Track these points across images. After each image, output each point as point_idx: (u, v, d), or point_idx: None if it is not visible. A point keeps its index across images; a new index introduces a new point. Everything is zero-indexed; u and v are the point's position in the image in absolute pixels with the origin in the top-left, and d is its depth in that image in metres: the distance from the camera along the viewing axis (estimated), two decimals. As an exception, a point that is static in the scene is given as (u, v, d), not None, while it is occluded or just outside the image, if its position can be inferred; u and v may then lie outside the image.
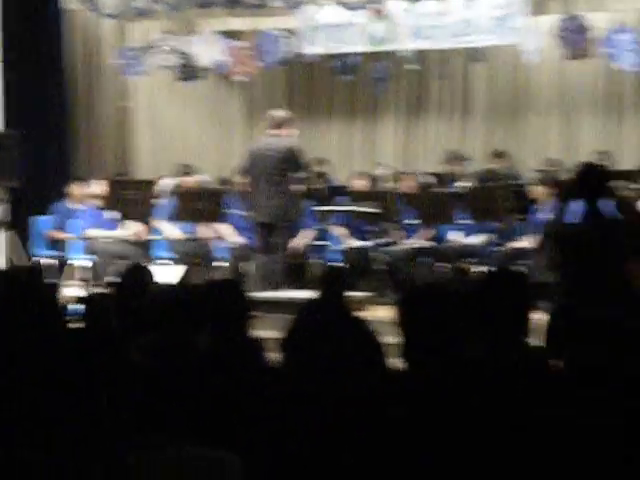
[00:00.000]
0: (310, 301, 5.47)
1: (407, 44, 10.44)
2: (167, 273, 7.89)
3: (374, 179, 10.78)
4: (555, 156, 11.66)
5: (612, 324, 2.81)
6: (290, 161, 8.35)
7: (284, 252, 8.49)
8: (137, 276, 4.30)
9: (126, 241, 9.36)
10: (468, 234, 9.42)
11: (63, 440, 2.41)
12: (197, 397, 2.74)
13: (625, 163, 11.51)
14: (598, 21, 10.83)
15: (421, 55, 11.85)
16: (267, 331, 5.50)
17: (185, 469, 2.43)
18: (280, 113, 8.78)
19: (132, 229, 9.24)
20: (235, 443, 2.70)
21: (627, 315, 3.90)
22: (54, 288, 5.22)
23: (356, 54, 11.14)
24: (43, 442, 2.42)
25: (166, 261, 9.52)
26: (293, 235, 8.72)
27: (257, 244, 8.75)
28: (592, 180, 5.01)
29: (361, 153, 12.93)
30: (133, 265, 6.02)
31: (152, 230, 9.95)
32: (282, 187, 8.36)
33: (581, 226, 5.28)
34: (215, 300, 3.65)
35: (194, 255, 9.45)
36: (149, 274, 4.34)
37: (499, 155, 11.64)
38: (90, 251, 9.56)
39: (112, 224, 9.83)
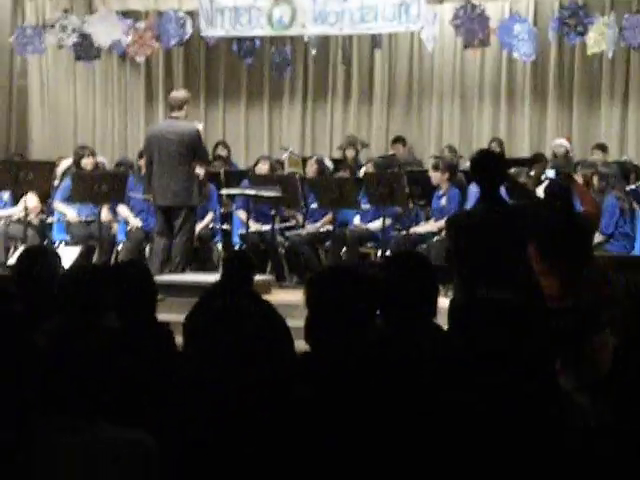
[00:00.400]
0: (214, 284, 5.48)
1: (309, 29, 10.47)
2: (64, 255, 7.76)
3: (278, 163, 10.81)
4: (453, 143, 11.89)
5: (504, 306, 2.90)
6: (191, 144, 8.31)
7: (186, 236, 8.45)
8: (39, 258, 4.24)
9: (22, 222, 9.16)
10: (369, 219, 9.54)
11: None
12: (105, 380, 2.74)
13: (520, 150, 11.83)
14: (494, 10, 11.08)
15: (324, 40, 11.93)
16: (171, 314, 5.51)
17: (102, 449, 2.43)
18: (180, 94, 8.71)
19: (27, 205, 9.03)
20: (144, 426, 2.71)
21: (520, 297, 4.04)
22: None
23: (257, 38, 11.13)
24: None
25: (63, 244, 9.37)
26: (194, 219, 8.69)
27: (157, 227, 8.69)
28: (486, 166, 5.12)
29: (265, 137, 12.94)
30: (34, 247, 5.93)
31: (50, 212, 9.78)
32: (183, 170, 8.32)
33: (474, 211, 5.42)
34: (123, 282, 3.63)
35: (92, 237, 9.32)
36: (54, 256, 4.28)
37: (398, 141, 11.82)
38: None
39: (10, 206, 9.62)
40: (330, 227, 9.32)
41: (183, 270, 8.50)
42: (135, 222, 9.52)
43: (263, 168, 9.90)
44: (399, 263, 3.44)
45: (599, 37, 10.16)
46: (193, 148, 8.31)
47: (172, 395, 3.03)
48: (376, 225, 9.32)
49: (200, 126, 8.63)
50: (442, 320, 3.36)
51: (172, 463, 2.76)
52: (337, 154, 11.81)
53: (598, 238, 8.25)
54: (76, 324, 3.52)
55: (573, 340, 5.25)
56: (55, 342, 3.36)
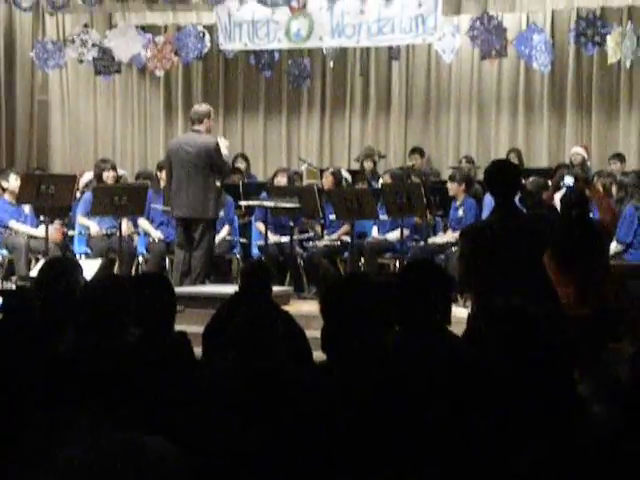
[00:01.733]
0: (232, 295, 5.52)
1: (327, 42, 10.53)
2: (85, 267, 7.84)
3: (296, 175, 10.86)
4: (471, 154, 11.91)
5: (522, 314, 2.92)
6: (209, 157, 8.37)
7: (205, 248, 8.51)
8: (61, 270, 4.29)
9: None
10: (386, 230, 9.56)
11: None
12: (128, 388, 2.79)
13: (539, 160, 11.82)
14: (511, 21, 11.10)
15: (342, 53, 12.00)
16: (191, 325, 5.56)
17: (117, 452, 2.47)
18: (201, 107, 8.80)
19: (49, 232, 9.13)
20: (163, 434, 2.75)
21: (538, 306, 4.05)
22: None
23: (275, 50, 11.20)
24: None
25: (84, 257, 9.44)
26: (214, 231, 8.75)
27: (176, 239, 8.76)
28: (500, 176, 5.13)
29: (283, 149, 13.00)
30: (55, 258, 6.00)
31: (71, 225, 9.86)
32: (200, 183, 8.38)
33: (488, 221, 5.44)
34: (144, 294, 3.68)
35: (112, 250, 9.39)
36: (75, 267, 4.33)
37: (416, 152, 11.84)
38: (5, 245, 9.45)
39: (31, 220, 9.71)
40: (348, 238, 9.35)
41: (203, 282, 8.55)
42: (156, 234, 9.59)
43: (282, 181, 9.95)
44: (414, 272, 3.46)
45: (616, 47, 10.16)
46: (211, 160, 8.37)
47: (191, 404, 3.07)
48: (394, 235, 9.34)
49: (222, 141, 8.69)
50: (457, 329, 3.39)
51: (190, 471, 2.80)
52: (355, 166, 11.85)
53: (617, 247, 8.25)
54: (97, 334, 3.57)
55: (591, 348, 5.25)
56: (76, 352, 3.42)
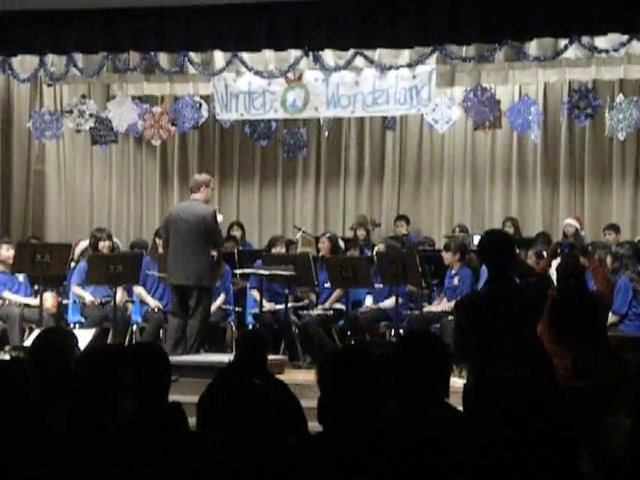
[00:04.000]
0: (227, 364, 5.48)
1: (323, 112, 10.65)
2: (80, 337, 7.80)
3: (291, 243, 10.89)
4: (465, 223, 11.97)
5: (517, 386, 2.90)
6: (206, 226, 8.41)
7: (200, 316, 8.49)
8: (55, 340, 4.27)
9: (37, 306, 9.22)
10: (381, 299, 9.56)
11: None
12: (121, 461, 2.75)
13: (532, 230, 11.87)
14: (504, 93, 11.25)
15: (337, 123, 12.12)
16: (185, 395, 5.51)
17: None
18: (200, 177, 8.89)
19: (45, 301, 9.12)
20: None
21: (531, 375, 4.03)
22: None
23: (271, 120, 11.32)
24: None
25: (78, 326, 9.40)
26: (209, 299, 8.74)
27: (171, 307, 8.74)
28: (494, 247, 5.13)
29: (279, 217, 13.06)
30: (49, 329, 5.97)
31: (66, 294, 9.84)
32: (197, 251, 8.41)
33: (483, 292, 5.43)
34: (139, 364, 3.66)
35: (107, 319, 9.36)
36: (70, 337, 4.32)
37: (402, 219, 11.94)
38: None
39: (25, 289, 9.69)
40: (340, 305, 9.34)
41: (197, 351, 8.51)
42: (154, 303, 9.56)
43: (280, 250, 9.94)
44: (412, 343, 3.45)
45: (612, 120, 10.29)
46: (208, 230, 8.42)
47: (185, 476, 3.03)
48: (389, 303, 9.34)
49: (217, 213, 8.77)
50: (455, 400, 3.37)
51: None
52: (350, 234, 11.89)
53: (612, 318, 8.25)
54: (91, 405, 3.53)
55: (588, 422, 5.20)
56: (70, 422, 3.38)
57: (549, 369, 5.00)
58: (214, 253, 8.65)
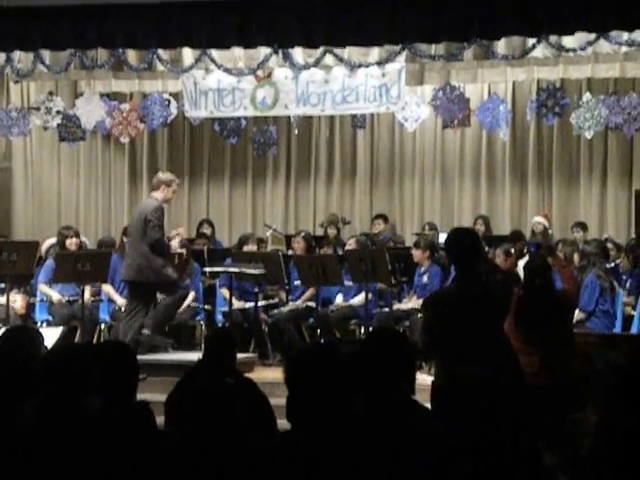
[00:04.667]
0: (196, 362, 5.46)
1: (292, 110, 10.64)
2: (47, 335, 7.74)
3: (261, 242, 10.87)
4: (435, 220, 12.02)
5: (484, 384, 2.92)
6: (145, 220, 8.35)
7: (142, 313, 8.44)
8: (21, 339, 4.24)
9: (4, 305, 9.14)
10: (351, 295, 9.57)
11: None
12: (88, 460, 2.73)
13: (502, 228, 11.95)
14: (473, 92, 11.31)
15: (307, 121, 12.12)
16: (153, 394, 5.48)
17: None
18: (162, 175, 8.82)
19: (15, 303, 9.05)
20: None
21: (498, 372, 4.05)
22: None
23: (241, 118, 11.30)
24: None
25: (45, 324, 9.32)
26: (150, 296, 8.63)
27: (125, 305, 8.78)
28: (460, 245, 5.14)
29: (249, 215, 13.03)
30: (16, 327, 5.92)
31: (33, 293, 9.75)
32: (136, 246, 8.39)
33: (450, 289, 5.45)
34: (106, 362, 3.64)
35: (74, 317, 9.30)
36: (36, 336, 4.28)
37: (380, 217, 11.93)
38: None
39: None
40: (313, 303, 9.34)
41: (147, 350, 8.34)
42: (121, 301, 9.50)
43: (252, 248, 9.88)
44: (377, 340, 3.46)
45: (578, 118, 10.36)
46: (146, 224, 8.34)
47: (153, 474, 3.02)
48: (358, 300, 9.35)
49: (157, 202, 8.53)
50: (423, 397, 3.38)
51: None
52: (320, 232, 11.90)
53: (579, 315, 8.31)
54: (58, 404, 3.51)
55: (554, 418, 5.24)
56: (37, 421, 3.35)
57: (516, 366, 5.03)
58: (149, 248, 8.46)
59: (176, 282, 8.61)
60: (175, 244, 8.96)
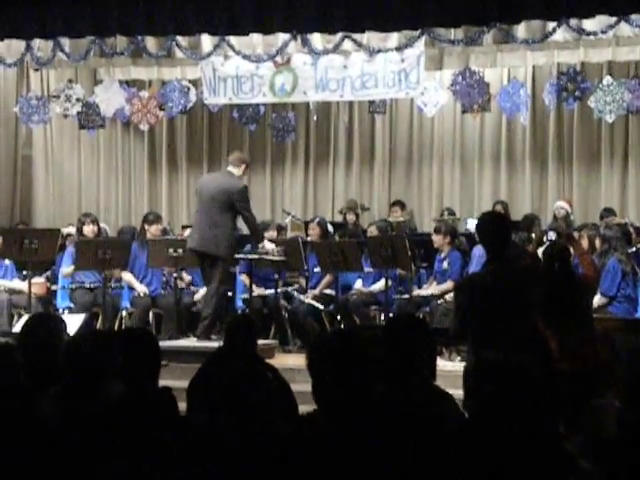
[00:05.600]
0: (217, 349, 5.48)
1: (311, 96, 10.62)
2: (69, 322, 7.78)
3: (280, 228, 10.87)
4: (454, 206, 11.98)
5: (515, 370, 2.91)
6: (230, 197, 8.40)
7: (213, 290, 8.48)
8: (44, 326, 4.26)
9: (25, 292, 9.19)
10: (371, 282, 9.56)
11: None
12: (111, 447, 2.75)
13: (522, 213, 11.89)
14: (493, 76, 11.24)
15: (326, 107, 12.09)
16: (175, 380, 5.51)
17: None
18: (240, 154, 9.07)
19: (33, 286, 9.10)
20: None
21: (532, 361, 4.04)
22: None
23: (260, 105, 11.29)
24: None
25: (67, 311, 9.37)
26: (225, 272, 8.68)
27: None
28: (491, 228, 5.15)
29: (268, 202, 13.03)
30: (39, 314, 5.96)
31: (55, 280, 9.81)
32: (217, 220, 8.40)
33: (484, 273, 5.44)
34: (129, 349, 3.65)
35: (96, 304, 9.35)
36: (59, 323, 4.30)
37: (397, 204, 11.90)
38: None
39: (12, 273, 9.66)
40: (330, 290, 9.34)
41: (207, 337, 8.38)
42: (141, 288, 9.55)
43: (272, 235, 9.87)
44: (398, 326, 3.46)
45: (598, 102, 10.30)
46: (230, 201, 8.47)
47: (177, 460, 3.03)
48: (378, 286, 9.34)
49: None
50: (444, 383, 3.38)
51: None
52: (338, 218, 11.89)
53: (601, 300, 8.28)
54: (81, 391, 3.53)
55: (576, 403, 5.22)
56: (60, 408, 3.37)
57: (546, 352, 5.03)
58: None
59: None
60: None
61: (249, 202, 8.75)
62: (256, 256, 9.02)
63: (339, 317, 9.24)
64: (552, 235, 6.85)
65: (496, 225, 5.16)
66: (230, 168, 8.72)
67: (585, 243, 8.17)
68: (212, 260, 8.47)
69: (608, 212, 10.81)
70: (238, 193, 8.46)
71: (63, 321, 4.37)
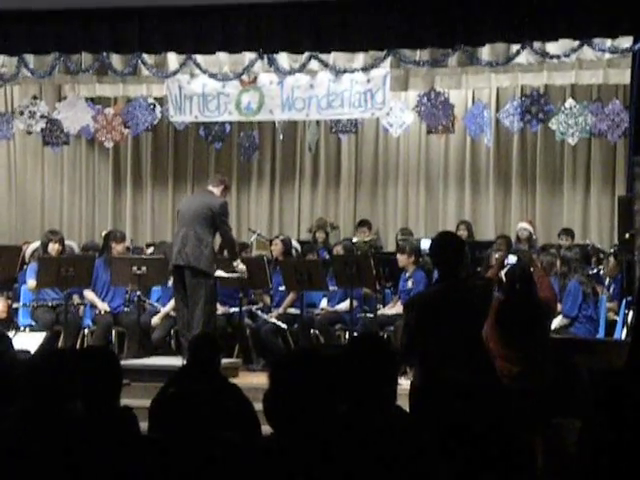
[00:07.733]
0: (180, 368, 5.45)
1: (277, 115, 10.64)
2: (29, 341, 7.71)
3: (246, 246, 10.85)
4: (419, 226, 12.04)
5: (462, 387, 2.92)
6: (212, 214, 8.41)
7: (201, 302, 8.41)
8: None
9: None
10: (336, 301, 9.57)
11: None
12: (71, 466, 2.71)
13: (485, 233, 11.98)
14: (458, 98, 11.34)
15: (292, 126, 12.12)
16: (136, 399, 5.47)
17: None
18: (222, 177, 9.03)
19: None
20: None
21: (476, 376, 4.06)
22: None
23: (226, 123, 11.29)
24: None
25: (28, 329, 9.27)
26: (210, 286, 8.61)
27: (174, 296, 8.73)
28: (444, 248, 5.18)
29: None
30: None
31: (16, 298, 9.70)
32: (200, 234, 8.40)
33: (433, 291, 5.47)
34: (89, 368, 3.62)
35: (58, 322, 9.26)
36: (5, 341, 4.25)
37: (364, 224, 11.93)
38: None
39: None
40: (296, 310, 9.33)
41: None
42: (103, 306, 9.48)
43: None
44: (358, 346, 3.46)
45: (560, 124, 10.42)
46: (212, 217, 8.47)
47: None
48: (344, 306, 9.35)
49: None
50: (404, 402, 3.38)
51: None
52: (305, 236, 11.89)
53: (562, 321, 8.35)
54: (41, 410, 3.49)
55: (535, 421, 5.26)
56: (21, 426, 3.33)
57: (492, 370, 5.06)
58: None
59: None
60: None
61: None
62: (218, 274, 8.96)
63: (306, 334, 9.22)
64: (512, 259, 6.94)
65: (450, 246, 5.19)
66: (210, 187, 8.77)
67: (541, 266, 8.23)
68: (194, 276, 8.39)
69: (565, 232, 10.88)
70: (220, 207, 8.52)
71: (5, 335, 4.30)
